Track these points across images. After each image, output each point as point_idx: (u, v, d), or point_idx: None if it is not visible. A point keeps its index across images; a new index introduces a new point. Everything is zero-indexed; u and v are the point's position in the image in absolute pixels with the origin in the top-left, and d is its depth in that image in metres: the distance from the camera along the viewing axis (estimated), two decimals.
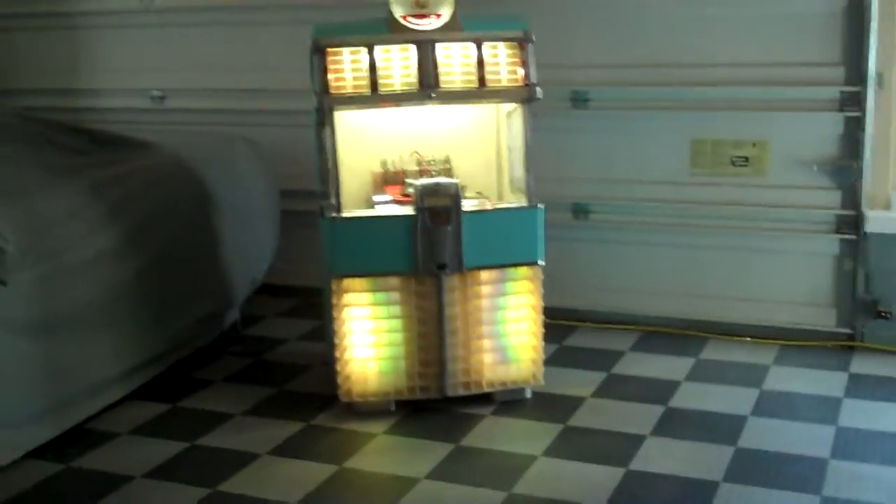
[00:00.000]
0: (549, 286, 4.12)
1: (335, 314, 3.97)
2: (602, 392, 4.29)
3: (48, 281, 3.72)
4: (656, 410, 4.07)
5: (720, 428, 3.90)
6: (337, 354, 4.00)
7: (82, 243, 3.91)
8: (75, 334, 3.85)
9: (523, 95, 4.00)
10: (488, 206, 4.13)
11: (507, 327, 4.08)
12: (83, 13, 5.91)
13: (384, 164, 4.26)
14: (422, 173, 4.22)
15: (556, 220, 4.77)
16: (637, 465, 3.63)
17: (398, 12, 3.92)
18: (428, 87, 3.93)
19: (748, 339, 4.82)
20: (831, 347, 4.71)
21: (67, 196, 4.02)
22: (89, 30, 5.94)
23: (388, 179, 4.25)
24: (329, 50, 3.90)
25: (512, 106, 4.14)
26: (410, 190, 4.02)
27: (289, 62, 4.82)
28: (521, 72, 3.99)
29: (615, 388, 4.33)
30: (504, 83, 4.00)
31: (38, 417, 3.72)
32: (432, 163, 4.25)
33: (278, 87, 5.36)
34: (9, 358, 3.57)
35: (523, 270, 4.05)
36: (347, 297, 3.95)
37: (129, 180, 4.32)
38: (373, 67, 3.90)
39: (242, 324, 5.10)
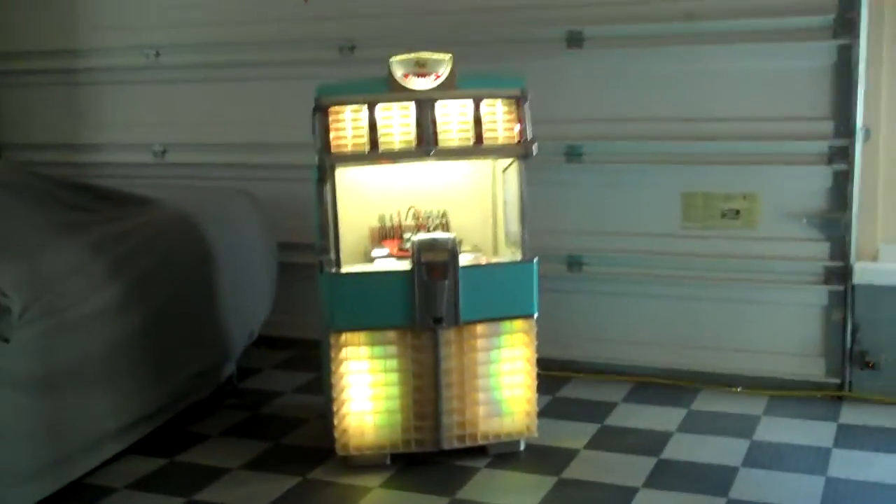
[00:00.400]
0: (543, 337, 4.18)
1: (333, 368, 4.02)
2: (595, 444, 4.33)
3: (49, 337, 3.74)
4: (649, 462, 4.11)
5: (711, 479, 3.94)
6: (334, 408, 4.04)
7: (84, 299, 3.94)
8: (75, 390, 3.87)
9: (519, 152, 4.08)
10: (483, 261, 4.20)
11: (501, 380, 4.13)
12: (86, 70, 6.01)
13: (382, 218, 4.32)
14: (419, 228, 4.29)
15: (551, 271, 4.85)
16: None
17: (398, 72, 4.01)
18: (427, 144, 4.01)
19: (739, 389, 4.88)
20: (820, 398, 4.77)
21: (69, 252, 4.06)
22: (91, 86, 6.04)
23: (386, 234, 4.31)
24: (331, 109, 3.99)
25: (508, 161, 4.22)
26: (408, 245, 4.08)
27: (287, 117, 4.93)
28: (517, 128, 4.07)
29: (608, 439, 4.37)
30: (501, 140, 4.09)
31: (38, 474, 3.72)
32: (429, 218, 4.32)
33: (277, 141, 5.47)
34: (10, 414, 3.59)
35: (518, 323, 4.11)
36: (346, 351, 4.00)
37: (131, 236, 4.37)
38: (373, 126, 3.99)
39: (238, 376, 5.13)
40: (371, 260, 4.21)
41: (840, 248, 4.74)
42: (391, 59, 4.02)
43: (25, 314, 3.60)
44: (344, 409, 4.03)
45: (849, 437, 4.33)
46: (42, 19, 6.08)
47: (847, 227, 4.70)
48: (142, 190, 4.94)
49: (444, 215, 4.35)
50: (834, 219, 4.72)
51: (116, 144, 6.01)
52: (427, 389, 4.04)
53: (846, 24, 4.58)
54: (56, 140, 6.13)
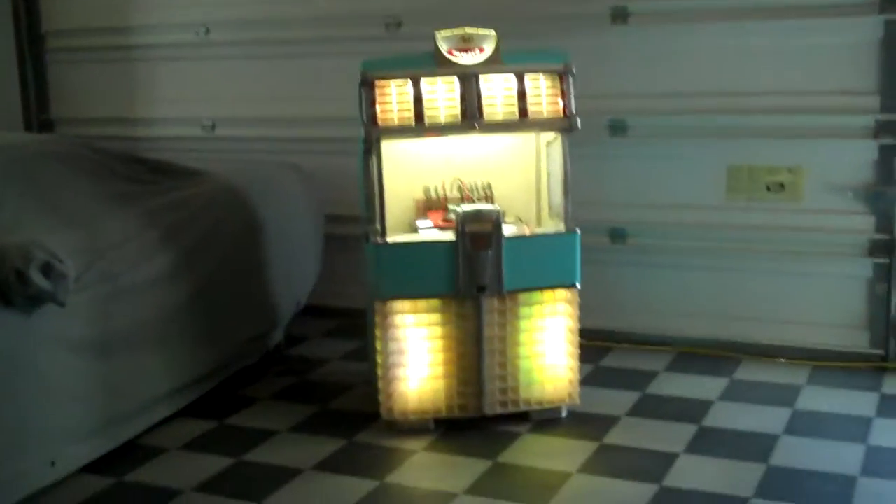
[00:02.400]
0: (586, 308, 4.24)
1: (379, 335, 4.10)
2: (637, 411, 4.38)
3: (104, 302, 3.86)
4: (690, 429, 4.15)
5: (752, 446, 3.98)
6: (380, 374, 4.13)
7: (137, 266, 4.06)
8: (129, 353, 3.99)
9: (563, 125, 4.12)
10: (527, 232, 4.25)
11: (544, 348, 4.19)
12: (139, 46, 6.13)
13: (426, 190, 4.39)
14: (463, 199, 4.35)
15: (594, 243, 4.88)
16: (670, 481, 3.72)
17: (444, 47, 4.06)
18: (471, 117, 4.06)
19: (781, 360, 4.90)
20: (863, 368, 4.78)
21: (123, 221, 4.19)
22: (144, 62, 6.16)
23: (431, 206, 4.37)
24: (377, 83, 4.04)
25: (552, 134, 4.27)
26: (452, 216, 4.15)
27: (334, 92, 5.02)
28: (561, 103, 4.11)
29: (650, 407, 4.42)
30: (545, 114, 4.12)
31: (94, 433, 3.85)
32: (474, 189, 4.38)
33: (324, 115, 5.54)
34: (67, 376, 3.71)
35: (561, 293, 4.17)
36: (391, 319, 4.08)
37: (182, 207, 4.49)
38: (418, 99, 4.04)
39: (286, 344, 5.24)
40: (416, 231, 4.28)
41: (885, 220, 4.74)
42: (437, 34, 4.08)
43: (81, 279, 3.71)
44: (389, 375, 4.11)
45: (891, 406, 4.34)
46: None
47: (893, 201, 4.69)
48: (192, 163, 5.04)
49: (488, 187, 4.40)
50: (880, 192, 4.72)
51: (168, 119, 6.13)
52: (470, 356, 4.11)
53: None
54: (110, 114, 6.24)
